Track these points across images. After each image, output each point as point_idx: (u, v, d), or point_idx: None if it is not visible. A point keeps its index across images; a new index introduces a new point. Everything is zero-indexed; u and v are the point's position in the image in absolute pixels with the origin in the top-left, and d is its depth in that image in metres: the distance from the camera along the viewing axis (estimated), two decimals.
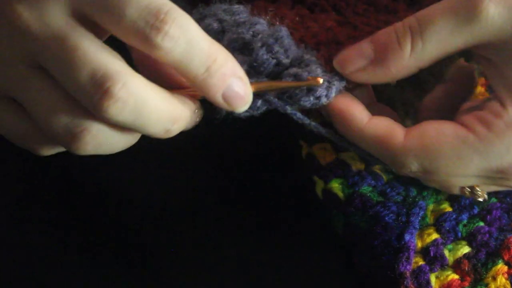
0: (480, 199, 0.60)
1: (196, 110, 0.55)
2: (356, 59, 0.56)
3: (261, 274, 0.65)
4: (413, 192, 0.63)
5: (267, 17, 0.59)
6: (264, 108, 0.57)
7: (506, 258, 0.62)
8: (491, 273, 0.62)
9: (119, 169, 0.67)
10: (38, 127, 0.54)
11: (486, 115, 0.55)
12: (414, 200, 0.63)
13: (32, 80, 0.53)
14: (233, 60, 0.53)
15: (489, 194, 0.65)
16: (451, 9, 0.54)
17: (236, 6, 0.59)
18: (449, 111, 0.60)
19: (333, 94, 0.57)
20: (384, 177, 0.64)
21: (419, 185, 0.64)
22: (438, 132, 0.56)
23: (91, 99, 0.51)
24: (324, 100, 0.57)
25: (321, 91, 0.56)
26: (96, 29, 0.52)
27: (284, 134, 0.66)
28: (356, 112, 0.57)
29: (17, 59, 0.53)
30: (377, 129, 0.57)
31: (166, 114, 0.52)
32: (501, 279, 0.61)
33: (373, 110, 0.59)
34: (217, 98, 0.53)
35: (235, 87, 0.53)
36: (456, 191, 0.60)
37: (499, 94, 0.55)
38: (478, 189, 0.60)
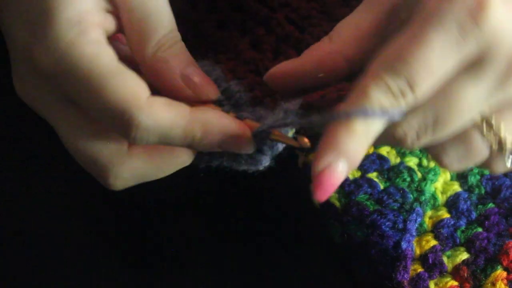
0: (510, 145, 0.53)
1: None
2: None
3: (261, 274, 0.65)
4: (410, 198, 0.63)
5: None
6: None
7: (505, 263, 0.62)
8: (490, 279, 0.61)
9: None
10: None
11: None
12: (411, 207, 0.63)
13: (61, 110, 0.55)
14: (216, 124, 0.54)
15: (486, 199, 0.65)
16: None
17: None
18: None
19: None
20: (381, 185, 0.64)
21: (416, 191, 0.64)
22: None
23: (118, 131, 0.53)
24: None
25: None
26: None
27: None
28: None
29: (45, 93, 0.55)
30: None
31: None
32: (500, 285, 0.61)
33: None
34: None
35: (227, 145, 0.54)
36: (478, 142, 0.53)
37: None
38: (496, 123, 0.53)
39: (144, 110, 0.51)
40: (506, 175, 0.66)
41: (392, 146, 0.65)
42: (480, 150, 0.53)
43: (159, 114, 0.52)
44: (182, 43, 0.55)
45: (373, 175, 0.64)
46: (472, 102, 0.50)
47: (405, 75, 0.48)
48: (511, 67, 0.49)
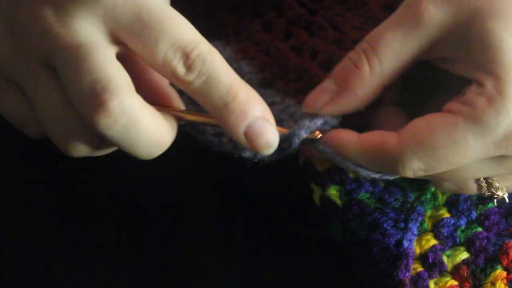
0: (500, 194, 0.61)
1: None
2: (320, 96, 0.58)
3: (261, 274, 0.65)
4: (411, 197, 0.63)
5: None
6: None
7: (504, 263, 0.62)
8: (490, 278, 0.62)
9: (119, 168, 0.67)
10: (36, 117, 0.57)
11: (469, 97, 0.56)
12: (412, 206, 0.63)
13: (40, 77, 0.56)
14: (259, 101, 0.56)
15: (486, 198, 0.65)
16: (396, 22, 0.56)
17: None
18: None
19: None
20: (382, 183, 0.64)
21: (417, 190, 0.64)
22: (428, 124, 0.56)
23: (86, 107, 0.53)
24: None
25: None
26: (122, 47, 0.56)
27: None
28: (344, 135, 0.58)
29: (33, 54, 0.55)
30: (369, 140, 0.57)
31: (154, 139, 0.55)
32: (500, 285, 0.61)
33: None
34: (236, 134, 0.55)
35: (257, 126, 0.55)
36: (473, 188, 0.61)
37: (475, 76, 0.56)
38: (494, 181, 0.61)
39: (132, 92, 0.53)
40: None
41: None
42: (472, 191, 0.62)
43: (141, 104, 0.54)
44: None
45: None
46: (470, 157, 0.56)
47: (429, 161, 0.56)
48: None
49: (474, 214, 0.64)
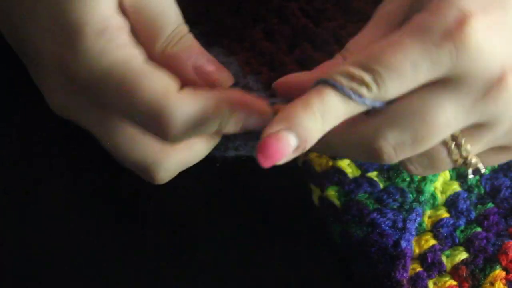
0: (474, 160, 0.54)
1: None
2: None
3: (261, 274, 0.65)
4: (410, 198, 0.63)
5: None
6: None
7: (504, 263, 0.62)
8: (489, 279, 0.62)
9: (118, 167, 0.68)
10: None
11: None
12: (411, 206, 0.63)
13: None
14: (240, 99, 0.54)
15: (486, 199, 0.65)
16: None
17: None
18: None
19: None
20: (380, 184, 0.64)
21: (416, 191, 0.64)
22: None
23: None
24: None
25: None
26: None
27: None
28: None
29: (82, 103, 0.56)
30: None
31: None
32: (499, 285, 0.61)
33: None
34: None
35: (252, 121, 0.54)
36: (444, 158, 0.55)
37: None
38: (464, 142, 0.54)
39: (177, 103, 0.52)
40: (506, 175, 0.66)
41: (371, 162, 0.64)
42: (445, 164, 0.55)
43: (191, 102, 0.53)
44: (190, 35, 0.56)
45: (373, 174, 0.64)
46: (449, 121, 0.51)
47: (374, 70, 0.49)
48: (486, 90, 0.50)
49: (473, 214, 0.64)
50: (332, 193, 0.63)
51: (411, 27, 0.50)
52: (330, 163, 0.64)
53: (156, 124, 0.53)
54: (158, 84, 0.53)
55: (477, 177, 0.66)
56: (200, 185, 0.68)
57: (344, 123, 0.51)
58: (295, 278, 0.65)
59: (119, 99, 0.53)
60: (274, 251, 0.66)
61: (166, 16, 0.55)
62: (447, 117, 0.51)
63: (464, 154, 0.54)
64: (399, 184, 0.64)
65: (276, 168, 0.66)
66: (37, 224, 0.67)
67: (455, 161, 0.54)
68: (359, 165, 0.64)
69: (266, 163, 0.50)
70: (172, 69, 0.55)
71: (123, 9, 0.55)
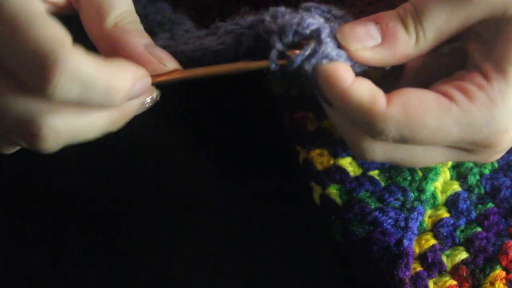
0: None
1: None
2: (364, 38, 0.56)
3: (261, 273, 0.64)
4: (411, 197, 0.63)
5: None
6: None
7: (504, 263, 0.62)
8: (489, 278, 0.62)
9: (118, 166, 0.67)
10: None
11: (469, 86, 0.54)
12: (412, 205, 0.63)
13: None
14: (131, 69, 0.53)
15: (486, 199, 0.65)
16: None
17: None
18: (425, 83, 0.58)
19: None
20: (382, 182, 0.64)
21: (417, 190, 0.64)
22: (421, 101, 0.54)
23: (34, 82, 0.50)
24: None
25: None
26: None
27: (280, 139, 0.67)
28: (342, 71, 0.56)
29: None
30: (361, 92, 0.55)
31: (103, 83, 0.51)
32: (499, 285, 0.61)
33: None
34: None
35: (138, 88, 0.53)
36: (422, 165, 0.60)
37: (484, 67, 0.55)
38: None
39: (70, 53, 0.50)
40: (506, 175, 0.66)
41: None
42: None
43: (83, 59, 0.50)
44: (141, 25, 0.56)
45: (374, 173, 0.64)
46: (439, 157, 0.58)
47: None
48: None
49: (473, 214, 0.65)
50: (333, 191, 0.63)
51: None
52: (332, 162, 0.64)
53: (41, 70, 0.49)
54: (54, 31, 0.50)
55: (477, 177, 0.66)
56: (199, 184, 0.67)
57: None
58: (295, 278, 0.64)
59: (6, 37, 0.50)
60: (274, 251, 0.65)
61: None
62: (447, 141, 0.56)
63: None
64: (400, 183, 0.63)
65: (276, 167, 0.66)
66: None
67: None
68: (360, 164, 0.64)
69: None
70: (121, 42, 0.54)
71: None
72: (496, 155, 0.58)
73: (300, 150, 0.65)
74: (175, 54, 0.57)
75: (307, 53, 0.55)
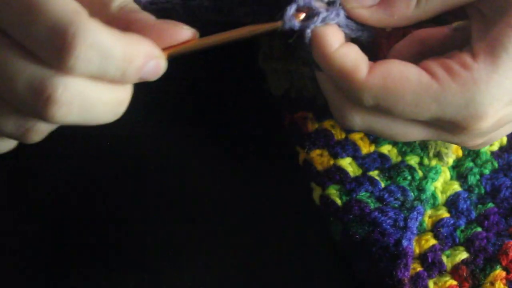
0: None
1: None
2: None
3: (261, 273, 0.65)
4: (411, 197, 0.63)
5: None
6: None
7: (504, 263, 0.62)
8: (489, 278, 0.62)
9: (119, 166, 0.67)
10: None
11: (454, 64, 0.53)
12: (412, 205, 0.63)
13: None
14: (147, 43, 0.51)
15: (486, 198, 0.65)
16: None
17: None
18: (416, 58, 0.58)
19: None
20: (382, 183, 0.64)
21: (417, 189, 0.64)
22: (402, 75, 0.53)
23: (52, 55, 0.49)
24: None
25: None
26: None
27: (281, 138, 0.67)
28: (329, 36, 0.55)
29: None
30: (344, 59, 0.54)
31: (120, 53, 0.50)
32: (499, 285, 0.61)
33: None
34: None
35: (150, 68, 0.51)
36: (400, 139, 0.59)
37: (476, 47, 0.54)
38: None
39: (89, 24, 0.48)
40: (506, 175, 0.66)
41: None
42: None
43: (102, 30, 0.49)
44: None
45: (374, 173, 0.64)
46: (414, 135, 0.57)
47: None
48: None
49: (473, 214, 0.64)
50: (333, 191, 0.63)
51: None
52: (331, 162, 0.64)
53: (62, 42, 0.48)
54: (71, 4, 0.49)
55: (478, 177, 0.66)
56: (199, 184, 0.68)
57: None
58: (295, 278, 0.64)
59: (20, 10, 0.49)
60: (274, 251, 0.65)
61: None
62: (423, 116, 0.55)
63: None
64: (400, 183, 0.64)
65: (276, 167, 0.66)
66: None
67: None
68: (360, 164, 0.64)
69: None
70: (130, 20, 0.52)
71: None
72: (476, 139, 0.57)
73: (300, 151, 0.65)
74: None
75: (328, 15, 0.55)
